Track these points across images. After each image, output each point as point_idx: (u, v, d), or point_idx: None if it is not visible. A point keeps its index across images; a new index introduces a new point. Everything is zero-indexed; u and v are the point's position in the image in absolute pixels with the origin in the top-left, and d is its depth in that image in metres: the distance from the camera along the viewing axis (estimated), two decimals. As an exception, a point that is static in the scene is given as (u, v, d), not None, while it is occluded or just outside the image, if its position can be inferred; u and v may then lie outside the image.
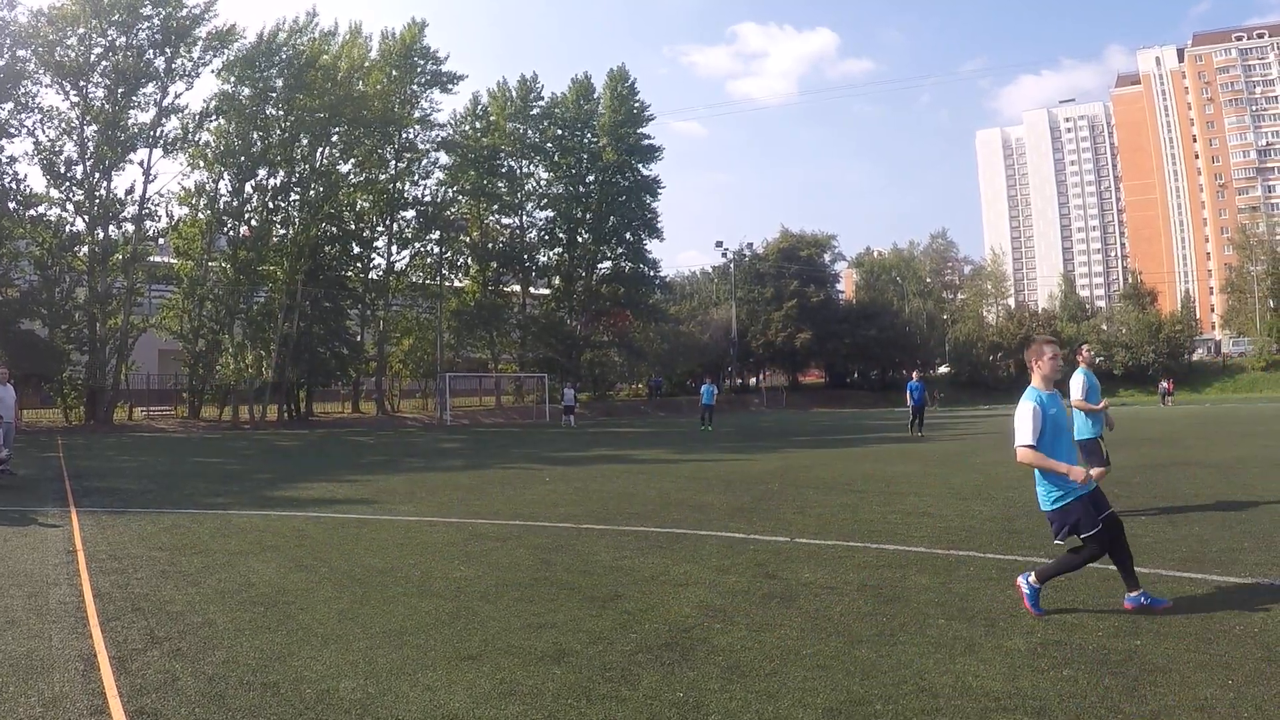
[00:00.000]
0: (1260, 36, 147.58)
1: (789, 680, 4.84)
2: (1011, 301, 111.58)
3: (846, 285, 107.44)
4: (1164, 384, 66.78)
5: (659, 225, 71.40)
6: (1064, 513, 6.15)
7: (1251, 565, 7.61)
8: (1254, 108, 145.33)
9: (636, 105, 69.32)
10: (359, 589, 7.29)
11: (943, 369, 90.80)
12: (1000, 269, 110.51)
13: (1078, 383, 11.16)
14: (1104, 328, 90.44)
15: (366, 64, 54.00)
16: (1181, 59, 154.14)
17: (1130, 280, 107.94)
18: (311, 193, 51.82)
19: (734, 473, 17.31)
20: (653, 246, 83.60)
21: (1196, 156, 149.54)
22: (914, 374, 32.13)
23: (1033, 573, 6.24)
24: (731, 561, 8.24)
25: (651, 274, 72.24)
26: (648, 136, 70.18)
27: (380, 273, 58.70)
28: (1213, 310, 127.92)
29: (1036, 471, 6.24)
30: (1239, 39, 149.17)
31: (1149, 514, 10.63)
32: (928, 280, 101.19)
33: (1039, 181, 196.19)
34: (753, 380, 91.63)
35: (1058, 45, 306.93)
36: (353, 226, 57.14)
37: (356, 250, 57.55)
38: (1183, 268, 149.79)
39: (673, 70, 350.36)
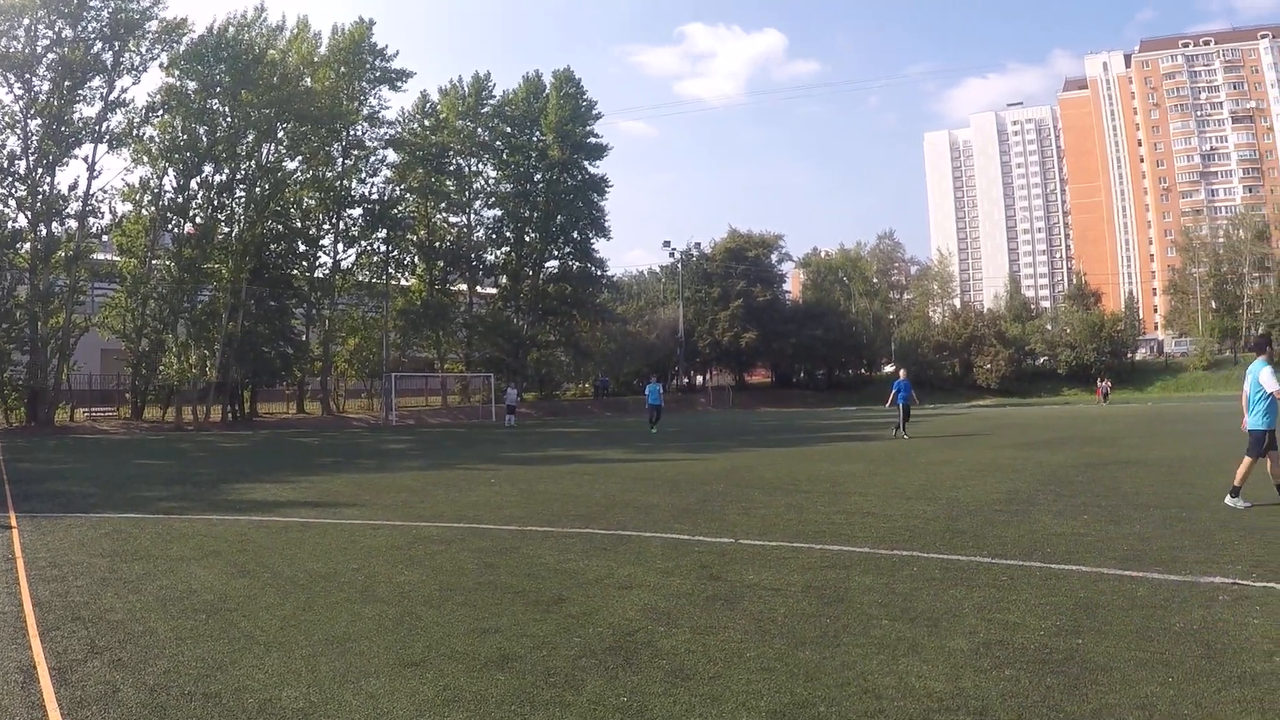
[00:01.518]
0: (1206, 44, 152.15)
1: (733, 683, 4.83)
2: (957, 301, 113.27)
3: (793, 285, 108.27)
4: (1104, 383, 68.40)
5: (606, 224, 72.09)
6: None
7: (1192, 563, 7.76)
8: (1199, 113, 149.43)
9: (584, 104, 69.87)
10: (302, 595, 7.20)
11: (888, 368, 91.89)
12: (947, 269, 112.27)
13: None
14: (1048, 328, 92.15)
15: (315, 60, 53.88)
16: (1129, 65, 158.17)
17: (1075, 281, 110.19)
18: (257, 190, 51.55)
19: (680, 473, 17.34)
20: (600, 246, 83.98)
21: (1142, 160, 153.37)
22: (900, 371, 31.45)
23: None
24: (676, 563, 8.24)
25: (599, 273, 72.67)
26: (595, 135, 70.89)
27: (326, 271, 58.42)
28: (1156, 311, 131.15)
29: None
30: (1185, 45, 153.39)
31: (1091, 512, 10.81)
32: (874, 280, 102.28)
33: (986, 183, 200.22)
34: (699, 380, 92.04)
35: (1004, 49, 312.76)
36: (299, 224, 57.02)
37: (302, 248, 57.36)
38: (1126, 269, 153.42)
39: (621, 70, 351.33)
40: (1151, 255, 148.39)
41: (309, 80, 52.28)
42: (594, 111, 70.40)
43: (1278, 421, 10.98)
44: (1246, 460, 11.07)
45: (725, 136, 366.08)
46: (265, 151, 52.08)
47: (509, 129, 68.25)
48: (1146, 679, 4.79)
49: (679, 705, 4.53)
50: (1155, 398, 69.11)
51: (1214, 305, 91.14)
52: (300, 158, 54.28)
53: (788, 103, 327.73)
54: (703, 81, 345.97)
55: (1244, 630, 5.71)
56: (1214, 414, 36.28)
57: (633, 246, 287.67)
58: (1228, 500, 10.96)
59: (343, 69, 55.21)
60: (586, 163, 70.64)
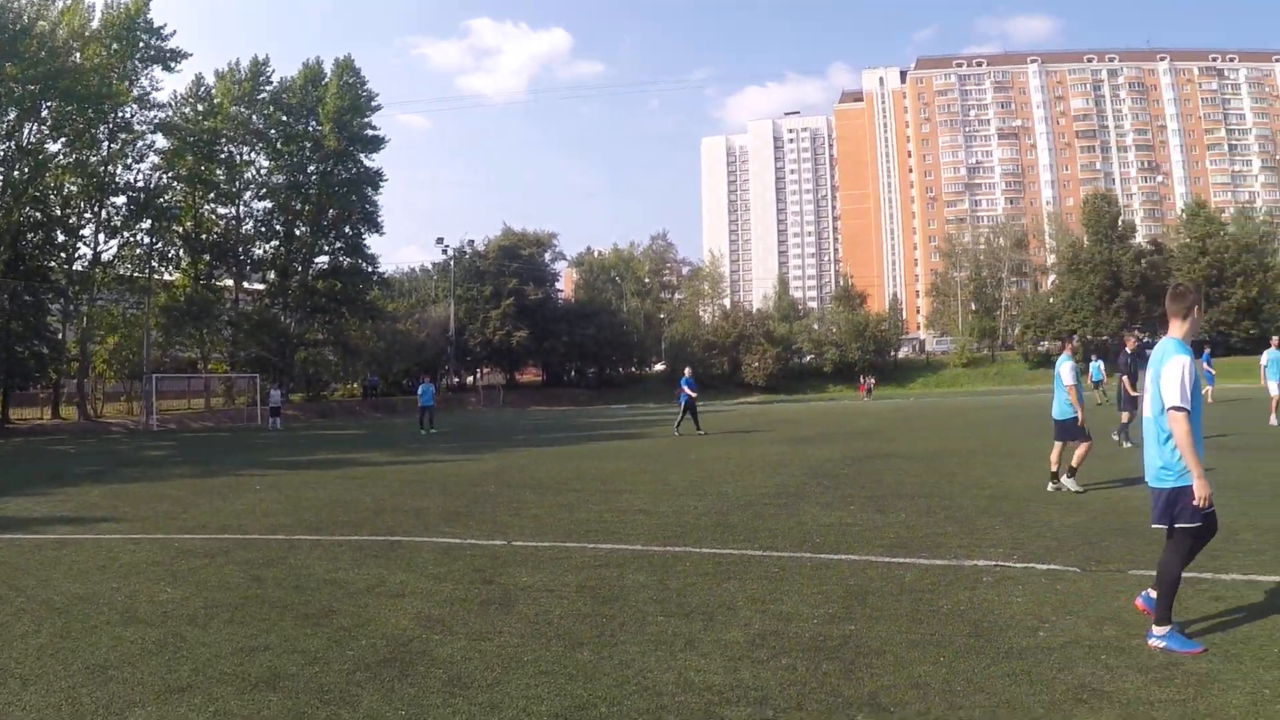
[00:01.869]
0: (979, 65, 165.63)
1: (512, 689, 4.75)
2: (727, 301, 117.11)
3: (566, 284, 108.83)
4: (868, 380, 72.50)
5: (380, 219, 70.03)
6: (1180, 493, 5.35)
7: (955, 548, 8.21)
8: (967, 129, 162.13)
9: (364, 94, 67.89)
10: (59, 620, 6.61)
11: (659, 366, 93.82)
12: (718, 270, 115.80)
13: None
14: (815, 327, 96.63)
15: (86, 34, 49.53)
16: (904, 80, 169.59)
17: (842, 283, 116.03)
18: (16, 173, 47.71)
19: (450, 475, 16.97)
20: (373, 241, 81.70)
21: (911, 171, 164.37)
22: (686, 369, 31.16)
23: (1152, 625, 5.24)
24: (448, 568, 8.04)
25: (370, 270, 70.66)
26: (373, 127, 68.92)
27: (85, 264, 54.31)
28: (919, 312, 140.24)
29: (1160, 438, 5.44)
30: (960, 66, 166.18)
31: (857, 503, 11.27)
32: (646, 280, 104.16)
33: (760, 188, 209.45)
34: (470, 379, 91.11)
35: (786, 60, 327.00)
36: (58, 212, 52.85)
37: (61, 238, 53.19)
38: (892, 272, 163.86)
39: (404, 63, 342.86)
40: (916, 260, 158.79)
41: (78, 56, 48.40)
42: (374, 103, 68.43)
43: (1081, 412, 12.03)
44: (1057, 445, 12.06)
45: (506, 134, 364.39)
46: (27, 132, 48.24)
47: (285, 117, 65.60)
48: (919, 659, 4.97)
49: (458, 715, 4.43)
50: (917, 393, 73.26)
51: (974, 307, 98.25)
52: (64, 140, 50.31)
53: (570, 102, 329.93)
54: (487, 77, 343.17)
55: (1008, 609, 6.04)
56: (971, 408, 38.91)
57: (406, 243, 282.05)
58: (1065, 483, 11.77)
59: (115, 45, 51.13)
60: (363, 155, 68.81)
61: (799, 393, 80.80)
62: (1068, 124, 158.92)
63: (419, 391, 35.94)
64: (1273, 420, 21.06)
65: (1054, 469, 11.93)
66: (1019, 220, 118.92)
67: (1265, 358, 22.45)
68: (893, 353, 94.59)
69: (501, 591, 7.05)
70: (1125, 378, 17.32)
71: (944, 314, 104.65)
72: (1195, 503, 5.15)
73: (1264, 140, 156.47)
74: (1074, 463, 11.90)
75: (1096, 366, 36.89)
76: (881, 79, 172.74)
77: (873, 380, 73.50)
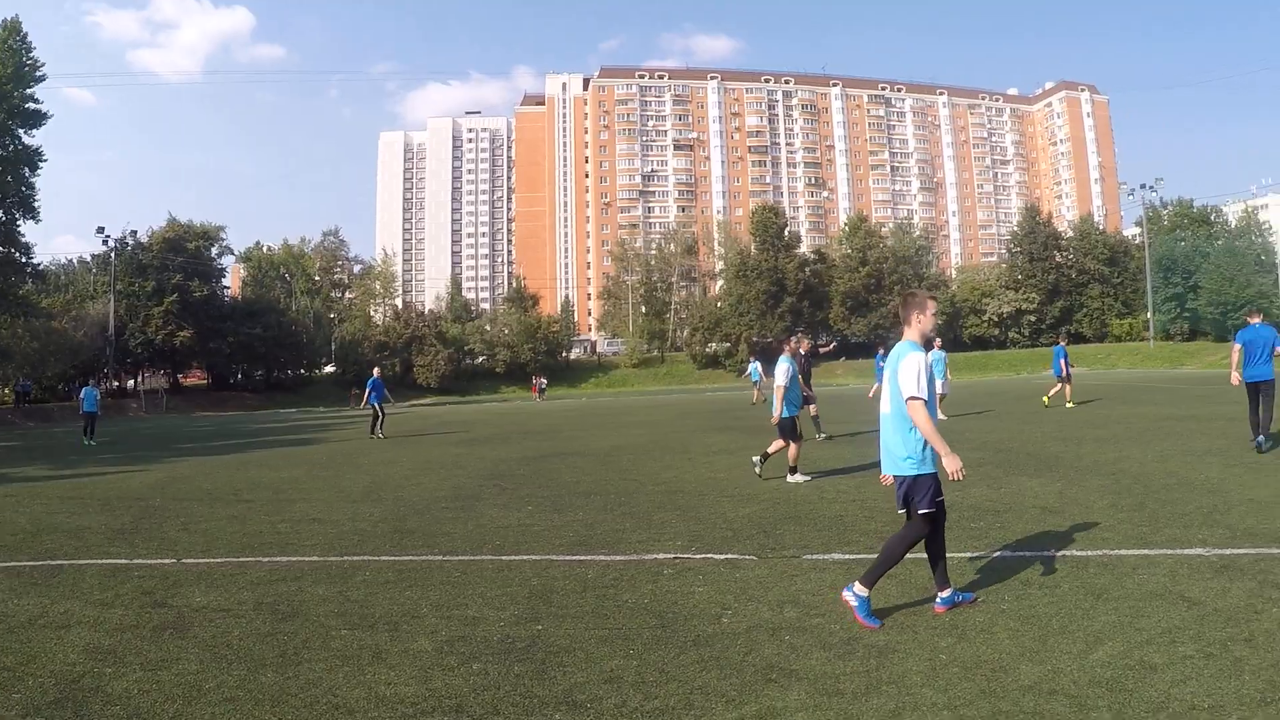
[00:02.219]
0: (661, 78, 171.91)
1: None
2: (399, 301, 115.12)
3: (234, 281, 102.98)
4: (539, 380, 73.57)
5: (37, 204, 61.64)
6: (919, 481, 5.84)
7: (635, 543, 8.49)
8: (644, 138, 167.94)
9: (29, 62, 59.20)
10: None
11: (329, 368, 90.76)
12: (390, 269, 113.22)
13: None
14: (487, 328, 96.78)
15: None
16: (586, 87, 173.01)
17: (515, 284, 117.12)
18: None
19: (113, 489, 15.50)
20: (28, 229, 72.26)
21: (587, 176, 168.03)
22: (375, 370, 29.82)
23: (856, 581, 5.74)
24: (116, 593, 7.34)
25: (24, 260, 62.46)
26: (36, 100, 60.34)
27: None
28: (590, 314, 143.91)
29: (903, 429, 5.87)
30: (642, 77, 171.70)
31: (535, 503, 11.40)
32: (317, 278, 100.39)
33: (436, 187, 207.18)
34: (131, 383, 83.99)
35: (470, 59, 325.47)
36: None
37: None
38: (565, 275, 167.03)
39: (74, 30, 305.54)
40: (589, 263, 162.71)
41: None
42: (38, 73, 60.26)
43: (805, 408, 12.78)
44: (778, 443, 12.71)
45: (176, 116, 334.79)
46: None
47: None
48: (609, 654, 5.08)
49: (145, 757, 4.06)
50: (589, 393, 75.01)
51: (644, 309, 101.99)
52: None
53: (247, 87, 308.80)
54: (161, 53, 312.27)
55: (691, 599, 6.32)
56: (641, 407, 40.29)
57: (62, 231, 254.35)
58: (789, 479, 12.35)
59: None
60: (22, 131, 60.29)
61: (472, 394, 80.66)
62: (742, 139, 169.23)
63: (81, 396, 32.73)
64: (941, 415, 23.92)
65: (791, 463, 12.64)
66: (690, 228, 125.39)
67: (930, 357, 25.35)
68: (565, 354, 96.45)
69: (175, 614, 6.54)
70: (800, 377, 18.27)
71: (615, 316, 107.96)
72: (951, 475, 5.67)
73: (923, 164, 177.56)
74: (770, 451, 12.76)
75: (755, 367, 39.23)
76: (565, 84, 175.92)
77: (544, 381, 74.61)
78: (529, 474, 14.81)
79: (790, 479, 12.34)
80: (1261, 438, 13.30)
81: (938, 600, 5.84)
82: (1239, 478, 10.88)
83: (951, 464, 5.64)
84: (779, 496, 11.09)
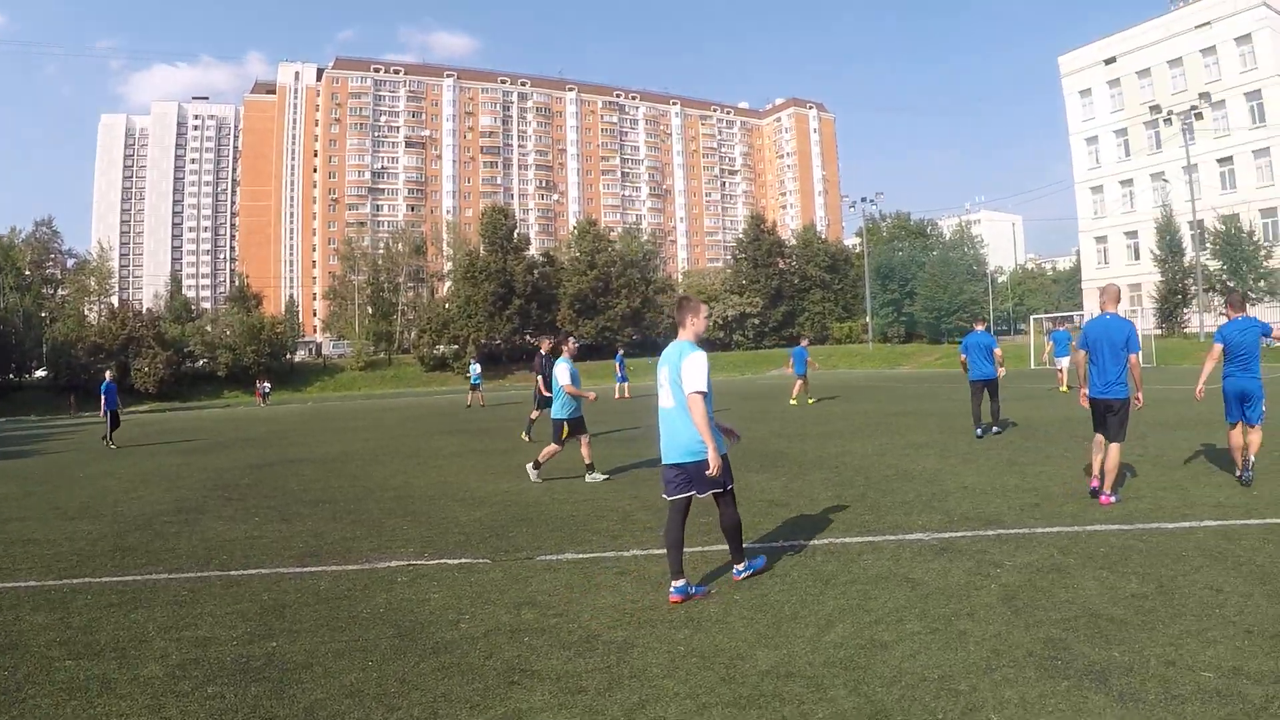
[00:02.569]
0: (397, 72, 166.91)
1: None
2: (115, 299, 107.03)
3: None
4: (263, 384, 70.47)
5: None
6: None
7: (368, 551, 8.46)
8: (376, 134, 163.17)
9: None
10: None
11: (40, 373, 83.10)
12: (107, 265, 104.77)
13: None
14: (209, 329, 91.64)
15: None
16: (320, 78, 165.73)
17: (237, 283, 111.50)
18: None
19: None
20: None
21: (315, 170, 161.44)
22: (107, 373, 27.13)
23: (734, 565, 6.82)
24: None
25: None
26: None
27: None
28: (315, 315, 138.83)
29: (682, 418, 6.41)
30: (377, 70, 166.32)
31: (262, 514, 11.09)
32: (28, 274, 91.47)
33: (157, 176, 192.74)
34: None
35: (201, 41, 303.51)
36: None
37: None
38: (290, 273, 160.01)
39: None
40: (315, 261, 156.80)
41: None
42: None
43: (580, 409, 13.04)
44: (583, 440, 12.95)
45: None
46: None
47: None
48: (348, 668, 5.10)
49: None
50: (314, 397, 72.57)
51: (370, 311, 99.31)
52: None
53: None
54: None
55: (427, 605, 6.40)
56: (371, 410, 39.42)
57: None
58: (529, 470, 12.77)
59: None
60: None
61: (193, 399, 76.18)
62: (475, 139, 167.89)
63: None
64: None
65: (587, 461, 12.88)
66: (419, 227, 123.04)
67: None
68: (289, 356, 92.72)
69: None
70: (540, 378, 18.33)
71: (341, 317, 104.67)
72: (708, 472, 6.19)
73: (654, 170, 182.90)
74: (541, 454, 12.93)
75: (475, 370, 40.24)
76: (298, 73, 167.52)
77: (268, 385, 71.50)
78: (254, 483, 14.31)
79: (593, 475, 12.73)
80: (981, 430, 15.30)
81: (673, 589, 6.28)
82: (953, 468, 12.06)
83: (714, 460, 6.17)
84: (510, 499, 11.31)
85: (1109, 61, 74.95)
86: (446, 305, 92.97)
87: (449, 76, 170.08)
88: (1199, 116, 53.41)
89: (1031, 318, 64.64)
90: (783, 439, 17.06)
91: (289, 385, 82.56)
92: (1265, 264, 56.74)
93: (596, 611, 6.12)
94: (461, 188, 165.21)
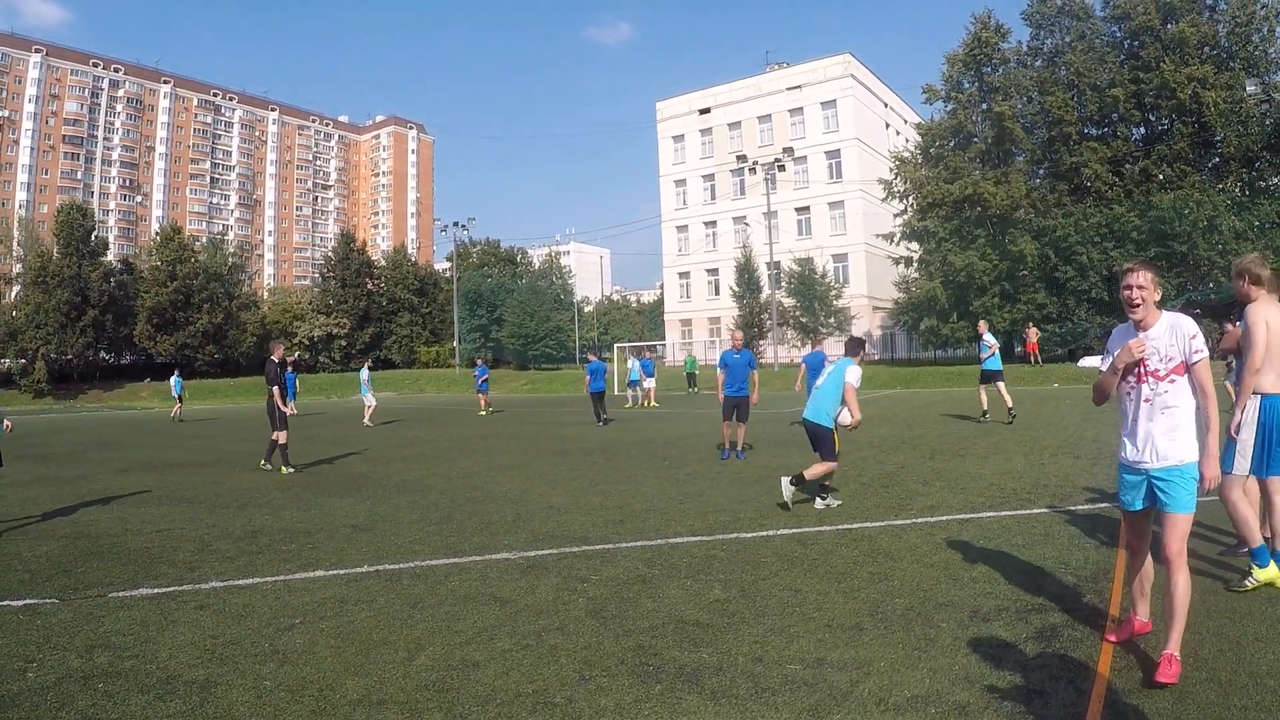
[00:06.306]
0: None
1: None
2: None
3: None
4: None
5: None
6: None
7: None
8: None
9: None
10: None
11: None
12: None
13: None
14: None
15: None
16: None
17: None
18: None
19: None
20: None
21: None
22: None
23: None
24: None
25: None
26: None
27: None
28: None
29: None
30: None
31: None
32: None
33: None
34: None
35: None
36: None
37: None
38: None
39: None
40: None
41: None
42: None
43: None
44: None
45: None
46: None
47: None
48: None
49: None
50: None
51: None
52: None
53: None
54: None
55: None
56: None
57: None
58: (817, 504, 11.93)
59: None
60: None
61: None
62: (58, 125, 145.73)
63: None
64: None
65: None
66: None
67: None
68: None
69: None
70: (276, 388, 15.73)
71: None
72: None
73: (245, 179, 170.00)
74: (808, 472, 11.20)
75: (178, 381, 38.22)
76: None
77: None
78: None
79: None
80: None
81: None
82: (538, 488, 12.29)
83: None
84: (78, 531, 10.16)
85: (704, 111, 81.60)
86: (15, 313, 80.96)
87: (38, 52, 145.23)
88: (782, 169, 58.49)
89: (615, 346, 68.24)
90: (367, 463, 16.72)
91: None
92: (835, 302, 63.94)
93: (176, 650, 5.62)
94: (38, 180, 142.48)
